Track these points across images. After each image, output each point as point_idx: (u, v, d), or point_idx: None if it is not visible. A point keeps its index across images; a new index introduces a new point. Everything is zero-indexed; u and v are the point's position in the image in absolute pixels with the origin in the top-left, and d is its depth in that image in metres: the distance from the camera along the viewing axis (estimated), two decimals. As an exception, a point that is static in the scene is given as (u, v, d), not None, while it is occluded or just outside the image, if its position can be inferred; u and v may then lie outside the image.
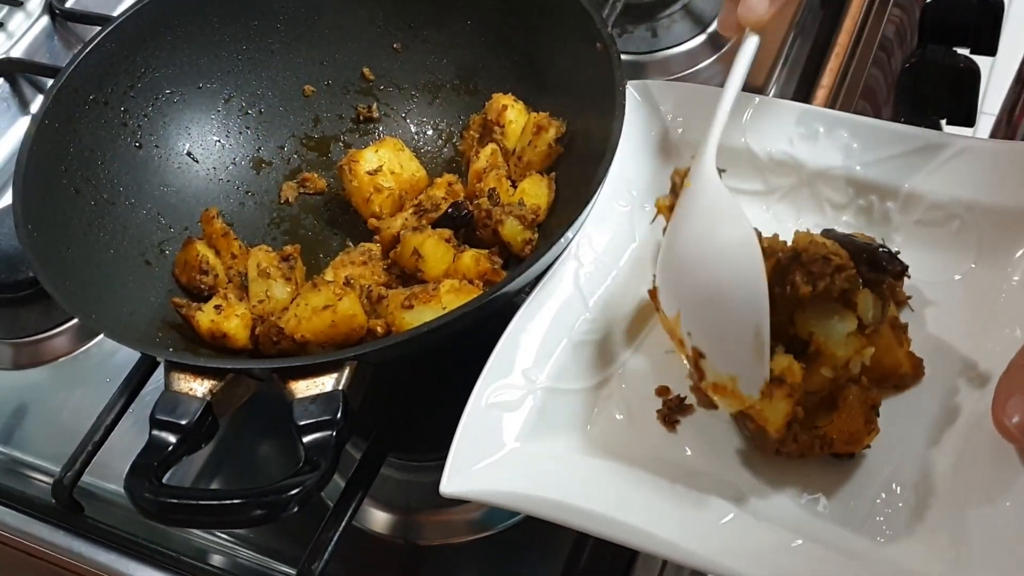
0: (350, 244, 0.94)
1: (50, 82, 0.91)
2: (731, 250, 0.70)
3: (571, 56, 0.89)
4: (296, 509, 0.67)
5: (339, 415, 0.71)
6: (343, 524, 0.77)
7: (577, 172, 0.87)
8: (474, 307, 0.74)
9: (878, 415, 0.71)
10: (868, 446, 0.71)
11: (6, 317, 0.98)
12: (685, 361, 0.74)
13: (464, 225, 0.88)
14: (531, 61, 0.95)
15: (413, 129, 1.01)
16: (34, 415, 0.94)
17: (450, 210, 0.89)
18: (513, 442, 0.73)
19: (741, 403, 0.70)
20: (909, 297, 0.79)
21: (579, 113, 0.89)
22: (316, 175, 0.99)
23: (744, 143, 0.86)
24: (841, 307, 0.71)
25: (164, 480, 0.70)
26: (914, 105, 1.35)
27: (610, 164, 0.79)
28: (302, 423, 0.71)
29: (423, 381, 0.90)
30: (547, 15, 0.92)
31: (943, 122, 1.41)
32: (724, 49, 1.09)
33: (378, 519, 0.83)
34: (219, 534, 0.84)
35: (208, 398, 0.74)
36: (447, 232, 0.87)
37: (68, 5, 1.21)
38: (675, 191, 0.78)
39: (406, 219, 0.90)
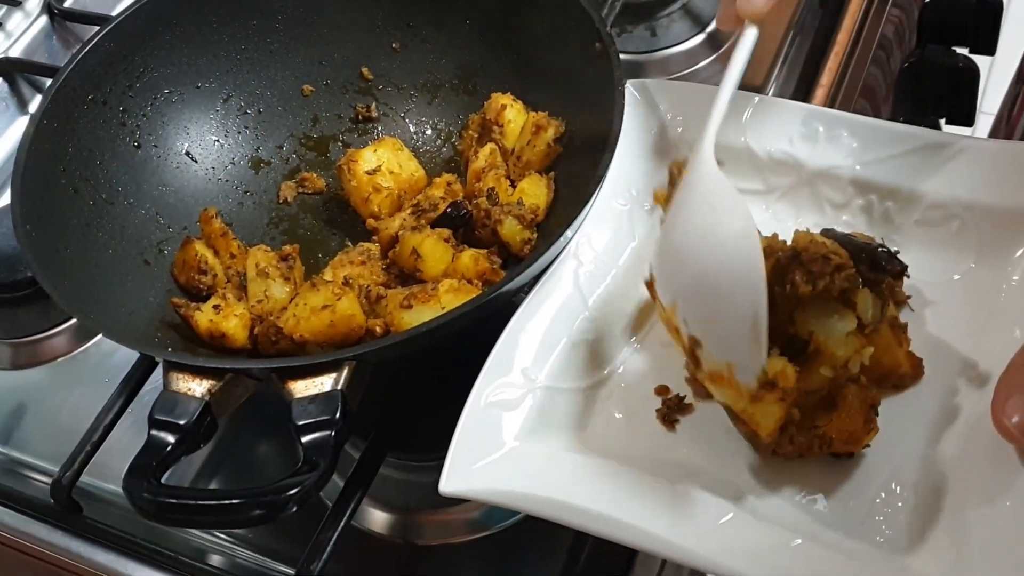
0: (349, 244, 0.94)
1: (49, 82, 0.91)
2: (729, 236, 0.69)
3: (570, 55, 0.89)
4: (295, 509, 0.67)
5: (338, 415, 0.71)
6: (342, 524, 0.77)
7: (576, 171, 0.87)
8: (473, 307, 0.74)
9: (877, 414, 0.71)
10: (867, 445, 0.71)
11: (4, 317, 0.98)
12: (681, 351, 0.73)
13: (463, 225, 0.88)
14: (530, 60, 0.95)
15: (412, 129, 1.01)
16: (33, 415, 0.94)
17: (449, 210, 0.89)
18: (512, 441, 0.73)
19: (738, 392, 0.69)
20: (908, 297, 0.79)
21: (578, 112, 0.89)
22: (315, 175, 0.98)
23: (744, 142, 0.86)
24: (841, 306, 0.71)
25: (163, 480, 0.70)
26: (913, 104, 1.35)
27: (609, 163, 0.78)
28: (301, 423, 0.71)
29: (422, 381, 0.90)
30: (546, 14, 0.92)
31: (942, 121, 1.41)
32: (723, 49, 1.09)
33: (377, 519, 0.83)
34: (218, 534, 0.84)
35: (207, 398, 0.74)
36: (446, 232, 0.87)
37: (67, 5, 1.21)
38: (673, 182, 0.78)
39: (404, 219, 0.90)
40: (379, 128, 1.01)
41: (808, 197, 0.86)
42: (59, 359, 0.96)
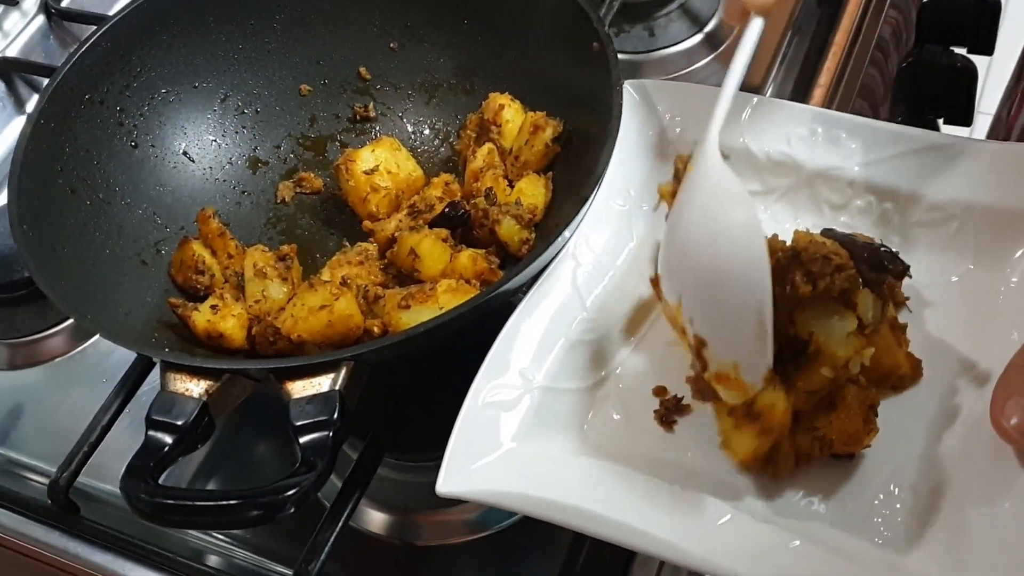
0: (347, 244, 0.94)
1: (46, 81, 0.91)
2: (734, 231, 0.68)
3: (568, 55, 0.89)
4: (293, 510, 0.67)
5: (336, 415, 0.70)
6: (340, 524, 0.77)
7: (574, 172, 0.87)
8: (471, 307, 0.73)
9: (877, 415, 0.71)
10: (867, 446, 0.71)
11: (2, 317, 0.98)
12: (687, 351, 0.73)
13: (461, 225, 0.88)
14: (528, 60, 0.95)
15: (410, 128, 1.01)
16: (30, 415, 0.93)
17: (447, 210, 0.89)
18: (510, 442, 0.73)
19: (744, 392, 0.69)
20: (907, 298, 0.79)
21: (576, 112, 0.89)
22: (312, 175, 0.98)
23: (742, 143, 0.86)
24: (841, 307, 0.71)
25: (160, 481, 0.70)
26: (912, 105, 1.35)
27: (607, 163, 0.78)
28: (299, 423, 0.71)
29: (420, 381, 0.90)
30: (544, 14, 0.92)
31: (940, 121, 1.41)
32: (721, 48, 1.09)
33: (375, 519, 0.83)
34: (215, 535, 0.84)
35: (204, 398, 0.73)
36: (444, 232, 0.87)
37: (64, 4, 1.21)
38: (678, 177, 0.77)
39: (400, 220, 0.90)
40: (377, 128, 1.00)
41: (807, 198, 0.86)
42: (56, 359, 0.96)
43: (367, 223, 0.92)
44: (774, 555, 0.67)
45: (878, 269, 0.74)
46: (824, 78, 1.04)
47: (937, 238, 0.82)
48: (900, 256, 0.76)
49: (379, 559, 0.82)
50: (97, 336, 0.95)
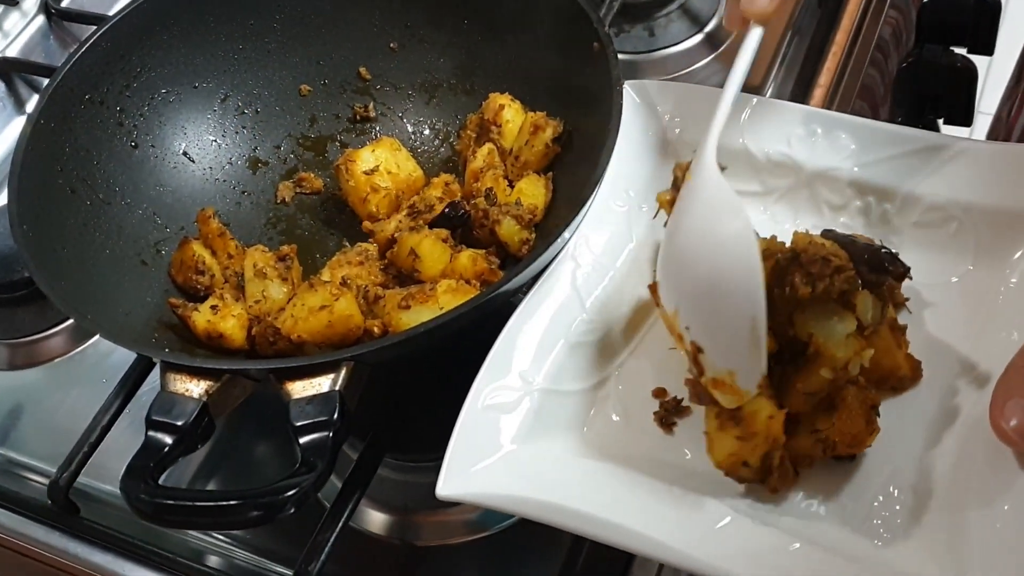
0: (347, 244, 0.94)
1: (46, 82, 0.91)
2: (729, 242, 0.69)
3: (568, 56, 0.89)
4: (293, 510, 0.67)
5: (336, 416, 0.70)
6: (340, 525, 0.77)
7: (574, 172, 0.87)
8: (471, 307, 0.73)
9: (878, 415, 0.71)
10: (870, 446, 0.71)
11: (2, 317, 0.98)
12: (685, 356, 0.73)
13: (461, 225, 0.88)
14: (528, 60, 0.95)
15: (410, 129, 1.01)
16: (30, 416, 0.93)
17: (447, 210, 0.89)
18: (510, 444, 0.73)
19: (740, 398, 0.69)
20: (907, 299, 0.79)
21: (576, 113, 0.89)
22: (312, 175, 0.98)
23: (742, 144, 0.86)
24: (840, 308, 0.71)
25: (160, 481, 0.70)
26: (911, 105, 1.35)
27: (607, 164, 0.78)
28: (299, 424, 0.71)
29: (420, 381, 0.90)
30: (544, 14, 0.92)
31: (940, 121, 1.41)
32: (721, 48, 1.09)
33: (375, 520, 0.83)
34: (215, 535, 0.84)
35: (204, 399, 0.73)
36: (444, 232, 0.87)
37: (64, 4, 1.21)
38: (676, 185, 0.77)
39: (400, 220, 0.90)
40: (377, 128, 1.00)
41: (806, 199, 0.86)
42: (56, 360, 0.96)
43: (367, 223, 0.92)
44: (774, 557, 0.67)
45: (878, 270, 0.74)
46: (824, 78, 1.04)
47: (936, 239, 0.82)
48: (900, 257, 0.76)
49: (379, 559, 0.82)
50: (97, 336, 0.95)
